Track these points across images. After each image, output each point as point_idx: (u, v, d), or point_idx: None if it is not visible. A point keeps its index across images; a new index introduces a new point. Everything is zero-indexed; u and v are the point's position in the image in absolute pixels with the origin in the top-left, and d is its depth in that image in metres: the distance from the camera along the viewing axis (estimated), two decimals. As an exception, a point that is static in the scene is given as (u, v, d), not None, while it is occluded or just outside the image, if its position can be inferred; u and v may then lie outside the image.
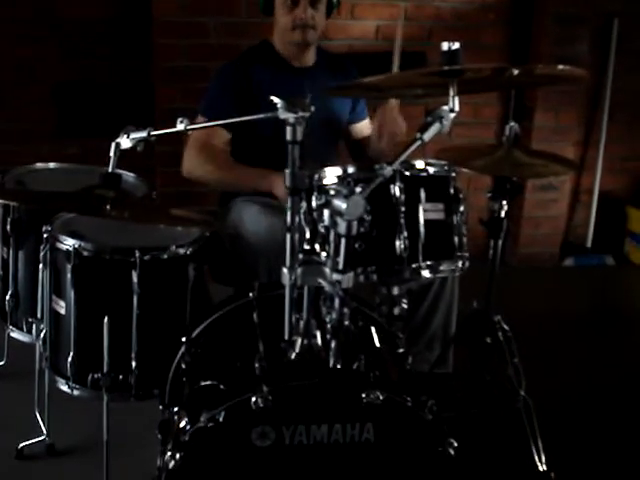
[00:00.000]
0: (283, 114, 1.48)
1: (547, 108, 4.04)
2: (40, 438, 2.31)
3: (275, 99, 1.50)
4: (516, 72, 1.66)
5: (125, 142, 1.78)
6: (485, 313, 2.33)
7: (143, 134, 1.78)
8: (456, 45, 1.57)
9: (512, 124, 2.15)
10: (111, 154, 1.78)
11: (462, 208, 1.87)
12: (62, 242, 1.98)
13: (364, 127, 2.73)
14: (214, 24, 3.59)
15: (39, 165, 2.53)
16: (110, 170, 1.77)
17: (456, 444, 1.46)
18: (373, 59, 2.70)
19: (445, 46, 1.58)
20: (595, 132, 4.27)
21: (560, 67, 1.66)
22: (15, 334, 2.32)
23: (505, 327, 2.34)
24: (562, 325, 3.44)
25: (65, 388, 2.06)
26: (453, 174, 1.88)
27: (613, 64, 4.12)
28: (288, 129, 1.49)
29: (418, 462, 1.46)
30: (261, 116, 1.63)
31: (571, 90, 4.02)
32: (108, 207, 1.70)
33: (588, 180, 4.35)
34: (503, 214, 2.20)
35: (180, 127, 1.72)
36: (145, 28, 3.56)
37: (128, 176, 2.35)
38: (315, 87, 2.34)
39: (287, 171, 1.50)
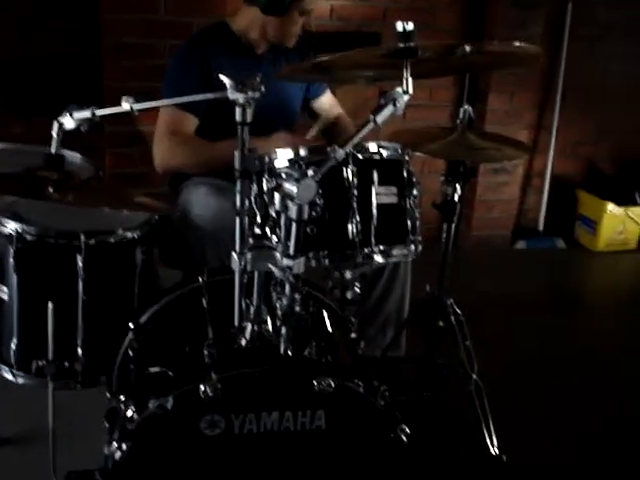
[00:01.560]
0: (232, 94, 1.44)
1: (501, 91, 4.06)
2: (-16, 427, 2.25)
3: (224, 79, 1.46)
4: (469, 49, 1.65)
5: (68, 122, 1.71)
6: (438, 297, 2.33)
7: (87, 113, 1.71)
8: (410, 25, 1.54)
9: (466, 107, 2.14)
10: (53, 134, 1.71)
11: (415, 192, 1.85)
12: (4, 225, 1.91)
13: (325, 101, 2.72)
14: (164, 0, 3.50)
15: (-21, 146, 2.44)
16: (53, 151, 1.71)
17: (408, 430, 1.45)
18: (328, 39, 2.68)
19: (400, 26, 1.55)
20: (548, 116, 4.30)
21: (516, 44, 1.64)
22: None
23: (457, 310, 2.34)
24: (513, 307, 3.47)
25: (9, 376, 2.00)
26: (407, 157, 1.85)
27: (566, 49, 4.15)
28: (237, 110, 1.45)
29: (370, 449, 1.45)
30: (210, 96, 1.59)
31: (525, 74, 4.04)
32: (51, 189, 1.64)
33: (540, 164, 4.39)
34: (457, 198, 2.20)
35: (125, 106, 1.66)
36: (93, 3, 3.46)
37: (74, 157, 2.27)
38: (272, 69, 2.30)
39: (236, 153, 1.47)
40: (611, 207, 4.29)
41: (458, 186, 2.19)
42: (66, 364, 1.91)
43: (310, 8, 2.41)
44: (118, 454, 1.37)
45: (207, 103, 2.31)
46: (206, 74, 2.33)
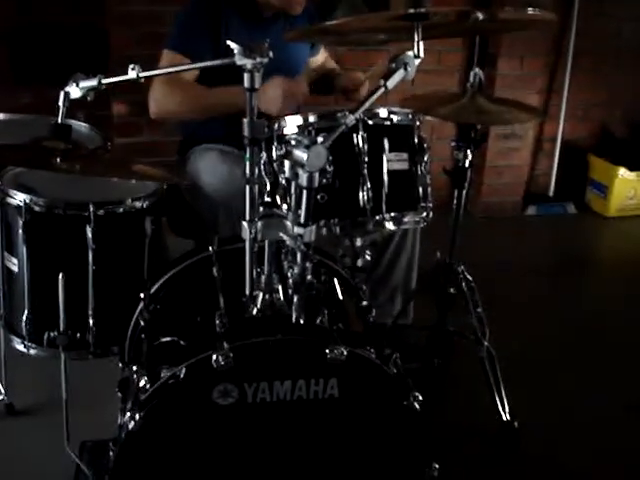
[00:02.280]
0: (240, 60, 1.42)
1: (511, 55, 4.00)
2: (-2, 398, 2.27)
3: (232, 44, 1.43)
4: (482, 16, 1.61)
5: (74, 91, 1.69)
6: (448, 264, 2.32)
7: (93, 82, 1.69)
8: (421, -13, 1.51)
9: (477, 70, 2.11)
10: (60, 104, 1.69)
11: (426, 158, 1.83)
12: (12, 197, 1.90)
13: (320, 57, 2.70)
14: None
15: (-14, 116, 2.43)
16: (59, 121, 1.69)
17: (421, 397, 1.44)
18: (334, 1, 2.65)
19: (410, -12, 1.52)
20: (558, 79, 4.24)
21: (530, 11, 1.61)
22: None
23: (468, 277, 2.33)
24: (524, 274, 3.46)
25: (21, 347, 2.01)
26: (417, 123, 1.83)
27: (577, 10, 4.07)
28: (246, 76, 1.42)
29: (383, 417, 1.45)
30: (218, 62, 1.56)
31: (536, 36, 3.97)
32: (58, 160, 1.63)
33: (551, 128, 4.34)
34: (467, 163, 2.18)
35: (132, 74, 1.63)
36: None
37: (81, 126, 2.26)
38: (280, 34, 2.27)
39: (245, 120, 1.45)
40: (622, 172, 4.24)
41: (469, 152, 2.16)
42: (78, 335, 1.92)
43: None
44: (131, 424, 1.37)
45: (211, 57, 2.27)
46: (214, 29, 2.28)
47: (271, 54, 1.43)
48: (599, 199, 4.36)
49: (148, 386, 1.41)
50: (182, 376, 1.38)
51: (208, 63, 1.66)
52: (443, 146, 2.36)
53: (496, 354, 2.25)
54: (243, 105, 1.45)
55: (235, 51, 1.42)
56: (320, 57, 2.72)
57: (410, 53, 1.51)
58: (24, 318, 1.95)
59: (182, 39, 2.29)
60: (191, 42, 2.19)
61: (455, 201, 2.27)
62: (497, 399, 2.20)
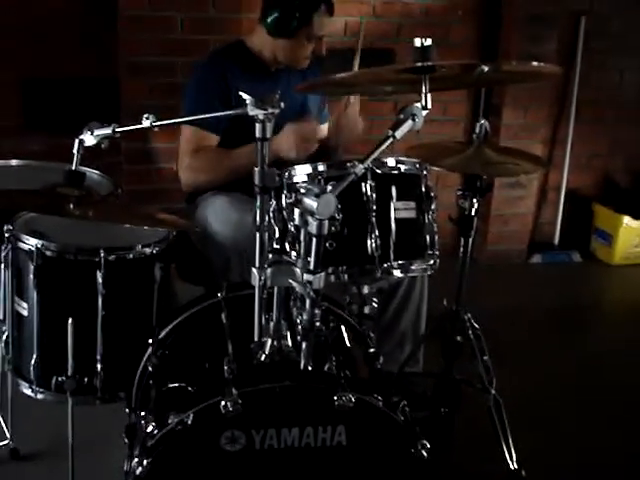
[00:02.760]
0: (252, 111, 1.45)
1: (515, 106, 4.05)
2: (4, 442, 2.26)
3: (244, 95, 1.47)
4: (487, 69, 1.65)
5: (89, 139, 1.73)
6: (455, 311, 2.32)
7: (107, 131, 1.73)
8: (428, 41, 1.55)
9: (483, 122, 2.14)
10: (74, 151, 1.73)
11: (433, 206, 1.85)
12: (24, 242, 1.92)
13: (324, 130, 2.73)
14: (181, 19, 3.54)
15: (0, 162, 2.46)
16: (73, 168, 1.72)
17: (429, 446, 1.44)
18: (342, 55, 2.70)
19: (417, 42, 1.56)
20: (562, 130, 4.29)
21: (535, 64, 1.65)
22: (-24, 336, 2.25)
23: (475, 325, 2.33)
24: (530, 322, 3.46)
25: (28, 392, 2.01)
26: (424, 172, 1.86)
27: (580, 62, 4.15)
28: (257, 126, 1.46)
29: (391, 465, 1.44)
30: (230, 113, 1.60)
31: (539, 88, 4.03)
32: (71, 206, 1.66)
33: (555, 177, 4.38)
34: (473, 212, 2.20)
35: (146, 124, 1.67)
36: (111, 22, 3.50)
37: (92, 173, 2.29)
38: (288, 87, 2.32)
39: (256, 169, 1.48)
40: (627, 220, 4.27)
41: (475, 200, 2.18)
42: (85, 380, 1.91)
43: (319, 35, 2.43)
44: (139, 470, 1.37)
45: (226, 121, 2.34)
46: (224, 93, 2.35)
47: (282, 105, 1.47)
48: (604, 247, 4.37)
49: (156, 432, 1.42)
50: (190, 422, 1.38)
51: (220, 114, 1.70)
52: (448, 194, 2.38)
53: (503, 402, 2.24)
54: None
55: (247, 102, 1.46)
56: (325, 130, 2.74)
57: (418, 104, 1.55)
58: (32, 362, 1.95)
59: (196, 111, 2.35)
60: (204, 113, 2.26)
61: (461, 249, 2.28)
62: (504, 447, 2.18)
